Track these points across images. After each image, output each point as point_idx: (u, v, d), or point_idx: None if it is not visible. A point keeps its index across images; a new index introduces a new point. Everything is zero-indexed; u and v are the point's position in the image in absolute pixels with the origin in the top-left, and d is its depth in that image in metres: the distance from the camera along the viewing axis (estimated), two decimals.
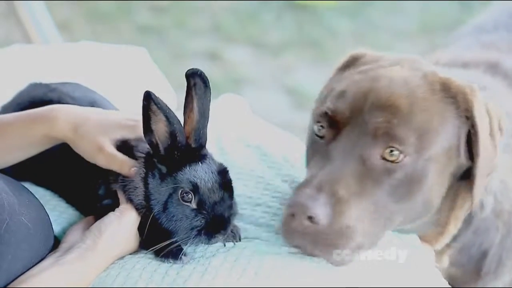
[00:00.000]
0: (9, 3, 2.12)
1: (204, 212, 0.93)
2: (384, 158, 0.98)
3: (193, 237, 0.93)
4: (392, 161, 0.98)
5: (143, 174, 0.97)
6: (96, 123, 1.00)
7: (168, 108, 0.93)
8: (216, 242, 0.95)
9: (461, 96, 1.02)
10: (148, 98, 0.91)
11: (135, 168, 0.97)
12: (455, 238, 1.15)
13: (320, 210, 0.93)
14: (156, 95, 0.92)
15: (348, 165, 0.99)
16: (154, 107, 0.92)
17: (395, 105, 0.99)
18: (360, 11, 3.34)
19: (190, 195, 0.93)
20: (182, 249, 0.94)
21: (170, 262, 0.93)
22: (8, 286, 0.87)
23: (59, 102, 1.11)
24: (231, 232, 0.98)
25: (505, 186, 1.16)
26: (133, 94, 1.36)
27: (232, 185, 0.97)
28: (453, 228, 1.12)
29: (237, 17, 3.29)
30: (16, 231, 0.89)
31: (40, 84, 1.19)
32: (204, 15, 3.32)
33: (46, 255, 0.94)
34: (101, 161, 0.99)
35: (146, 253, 0.96)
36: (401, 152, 0.98)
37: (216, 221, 0.94)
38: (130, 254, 0.97)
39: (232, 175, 0.99)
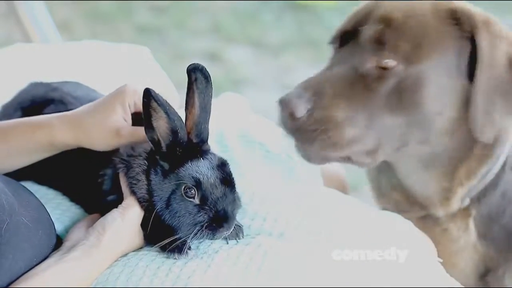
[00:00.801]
0: (9, 3, 2.12)
1: (207, 207, 0.93)
2: (376, 66, 1.04)
3: (197, 233, 0.93)
4: (383, 68, 1.03)
5: (145, 166, 0.96)
6: (93, 112, 1.00)
7: (169, 104, 0.92)
8: (220, 237, 0.95)
9: (466, 18, 1.04)
10: (148, 95, 0.91)
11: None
12: (478, 200, 1.14)
13: (300, 105, 1.02)
14: (156, 92, 0.92)
15: (341, 71, 1.06)
16: (154, 104, 0.92)
17: (391, 17, 1.05)
18: None
19: (193, 191, 0.93)
20: (187, 243, 0.94)
21: (175, 257, 0.93)
22: (12, 285, 0.87)
23: (60, 101, 1.11)
24: (234, 229, 0.97)
25: None
26: None
27: (233, 178, 0.97)
28: (465, 180, 1.11)
29: (237, 17, 3.29)
30: (16, 231, 0.88)
31: (41, 83, 1.19)
32: (204, 15, 3.32)
33: (49, 254, 0.93)
34: (123, 142, 0.99)
35: (150, 249, 0.96)
36: (392, 59, 1.03)
37: (220, 216, 0.93)
38: (134, 251, 0.97)
39: (235, 171, 0.99)
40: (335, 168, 1.39)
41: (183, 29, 3.21)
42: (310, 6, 3.34)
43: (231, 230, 0.95)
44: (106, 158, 1.01)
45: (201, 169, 0.94)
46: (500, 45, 1.03)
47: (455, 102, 1.05)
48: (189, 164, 0.94)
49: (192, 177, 0.93)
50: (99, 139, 0.99)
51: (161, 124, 0.93)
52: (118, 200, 0.98)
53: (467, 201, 1.14)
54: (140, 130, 0.98)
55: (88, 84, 1.25)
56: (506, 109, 1.04)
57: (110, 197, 1.00)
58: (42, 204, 0.99)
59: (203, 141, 0.98)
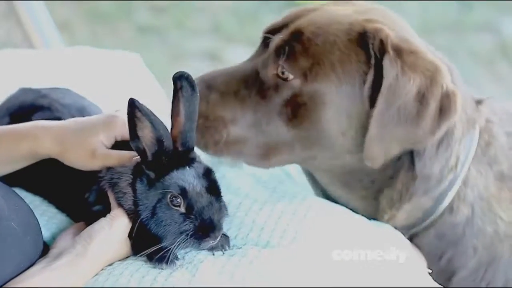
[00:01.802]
0: (9, 3, 2.12)
1: (193, 216, 0.93)
2: (275, 74, 1.04)
3: (182, 242, 0.93)
4: (281, 78, 1.04)
5: (131, 180, 0.96)
6: (77, 131, 1.00)
7: (153, 114, 0.92)
8: (207, 246, 0.94)
9: (376, 43, 1.01)
10: (132, 105, 0.91)
11: (135, 159, 0.97)
12: (412, 238, 1.11)
13: None
14: (140, 102, 0.91)
15: (242, 71, 1.07)
16: (138, 114, 0.91)
17: (300, 31, 1.04)
18: None
19: (179, 199, 0.93)
20: (173, 253, 0.94)
21: (162, 267, 0.93)
22: None
23: (48, 108, 1.11)
24: (220, 240, 0.97)
25: (489, 207, 1.11)
26: (126, 100, 1.36)
27: (219, 187, 0.97)
28: (388, 210, 1.09)
29: (237, 17, 3.29)
30: (4, 236, 0.88)
31: (30, 89, 1.19)
32: (204, 15, 3.32)
33: (36, 260, 0.93)
34: (97, 164, 0.99)
35: (136, 258, 0.96)
36: (290, 72, 1.03)
37: (206, 225, 0.93)
38: (119, 260, 0.96)
39: (222, 181, 0.99)
40: None
41: (183, 29, 3.21)
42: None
43: (218, 239, 0.95)
44: (92, 173, 1.00)
45: (187, 177, 0.94)
46: (411, 76, 1.00)
47: (357, 126, 1.03)
48: (175, 172, 0.94)
49: (178, 185, 0.93)
50: (76, 158, 1.00)
51: (146, 133, 0.93)
52: (104, 210, 0.98)
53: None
54: (114, 154, 0.99)
55: (79, 91, 1.25)
56: (405, 139, 1.02)
57: (96, 207, 1.00)
58: (31, 209, 0.99)
59: (189, 149, 0.97)
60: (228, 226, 1.03)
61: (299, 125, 1.04)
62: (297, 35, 1.04)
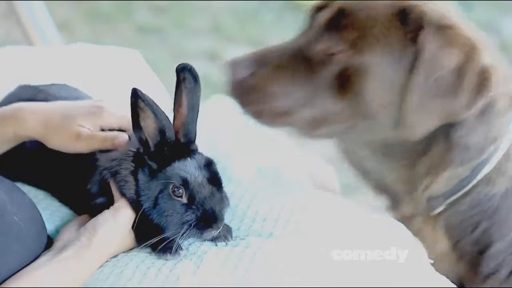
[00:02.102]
0: (9, 3, 2.12)
1: (195, 206, 0.93)
2: (323, 49, 1.08)
3: (185, 232, 0.93)
4: (328, 53, 1.07)
5: (132, 168, 0.96)
6: (64, 114, 1.01)
7: (156, 104, 0.93)
8: (208, 236, 0.95)
9: (414, 18, 1.05)
10: (135, 95, 0.92)
11: (121, 138, 1.00)
12: (448, 208, 1.13)
13: (241, 68, 1.10)
14: (143, 92, 0.92)
15: (292, 48, 1.12)
16: (141, 104, 0.92)
17: (344, 7, 1.09)
18: None
19: (181, 190, 0.93)
20: (177, 243, 0.94)
21: (167, 258, 0.93)
22: (3, 285, 0.87)
23: (45, 101, 1.11)
24: (223, 231, 0.97)
25: None
26: (126, 97, 1.36)
27: (220, 177, 0.97)
28: (425, 178, 1.11)
29: (237, 17, 3.29)
30: (8, 230, 0.88)
31: (29, 86, 1.19)
32: (204, 15, 3.32)
33: (40, 253, 0.93)
34: (82, 147, 1.00)
35: (140, 249, 0.96)
36: (338, 46, 1.06)
37: (208, 215, 0.93)
38: (124, 252, 0.97)
39: (224, 173, 1.00)
40: (326, 176, 1.38)
41: (183, 29, 3.21)
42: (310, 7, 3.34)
43: (220, 230, 0.95)
44: (92, 163, 1.01)
45: (189, 168, 0.94)
46: (449, 50, 1.02)
47: (398, 98, 1.06)
48: (177, 163, 0.94)
49: (180, 176, 0.93)
50: (60, 141, 1.01)
51: (148, 124, 0.93)
52: (107, 202, 0.98)
53: (436, 208, 1.14)
54: (99, 135, 1.00)
55: (79, 87, 1.25)
56: (444, 111, 1.04)
57: (99, 200, 1.00)
58: (34, 203, 0.99)
59: (191, 140, 0.98)
60: (231, 217, 1.03)
61: (345, 97, 1.07)
62: (341, 11, 1.08)
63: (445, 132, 1.08)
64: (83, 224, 0.96)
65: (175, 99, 0.96)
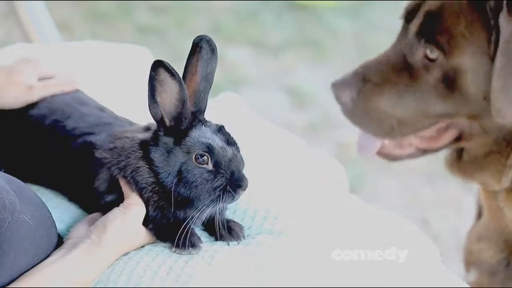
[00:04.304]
0: (9, 3, 2.12)
1: (222, 170, 0.93)
2: (422, 57, 1.13)
3: (218, 198, 0.93)
4: (429, 59, 1.13)
5: (141, 154, 0.96)
6: (4, 74, 1.08)
7: (178, 74, 0.91)
8: (238, 198, 0.95)
9: (490, 3, 1.08)
10: (158, 66, 0.90)
11: (72, 83, 1.07)
12: None
13: (344, 93, 1.15)
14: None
15: (391, 59, 1.17)
16: (161, 77, 0.90)
17: (430, 10, 1.13)
18: (360, 11, 3.34)
19: (205, 157, 0.93)
20: (197, 236, 0.95)
21: (190, 253, 0.94)
22: (13, 283, 0.87)
23: (44, 99, 1.11)
24: (235, 230, 0.98)
25: None
26: (136, 93, 1.36)
27: (234, 138, 0.98)
28: None
29: (237, 17, 3.29)
30: (18, 229, 0.88)
31: None
32: (204, 15, 3.32)
33: (51, 252, 0.93)
34: (38, 95, 1.07)
35: (151, 248, 0.96)
36: (433, 51, 1.12)
37: (235, 176, 0.94)
38: (135, 250, 0.97)
39: None
40: (336, 173, 1.39)
41: (183, 29, 3.21)
42: (310, 6, 3.33)
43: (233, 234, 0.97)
44: (98, 160, 1.00)
45: (208, 134, 0.94)
46: None
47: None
48: (194, 132, 0.94)
49: (203, 143, 0.93)
50: (13, 96, 1.08)
51: (165, 98, 0.92)
52: (117, 200, 0.98)
53: None
54: (51, 82, 1.08)
55: (88, 84, 1.25)
56: None
57: (109, 198, 1.00)
58: (43, 202, 0.99)
59: (201, 110, 0.97)
60: (242, 216, 1.04)
61: (451, 95, 1.13)
62: (428, 15, 1.13)
63: None
64: (93, 222, 0.96)
65: (187, 68, 0.95)
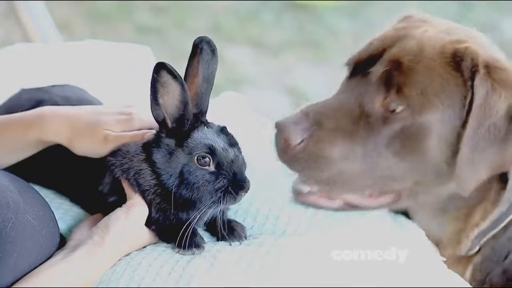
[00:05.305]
0: (9, 3, 2.12)
1: (224, 172, 0.93)
2: (382, 106, 1.03)
3: (219, 199, 0.93)
4: (390, 111, 1.02)
5: (144, 157, 0.96)
6: (90, 120, 1.00)
7: (181, 77, 0.92)
8: (240, 199, 0.95)
9: (468, 62, 1.01)
10: (161, 68, 0.90)
11: (150, 133, 0.97)
12: (485, 244, 1.11)
13: (296, 133, 1.01)
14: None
15: (346, 104, 1.05)
16: (163, 79, 0.90)
17: (399, 61, 1.03)
18: (360, 11, 3.34)
19: (207, 159, 0.93)
20: (200, 236, 0.95)
21: (194, 253, 0.94)
22: (17, 284, 0.87)
23: (49, 101, 1.10)
24: (237, 231, 0.99)
25: None
26: (137, 92, 1.36)
27: (236, 139, 0.97)
28: (480, 222, 1.08)
29: (237, 17, 3.29)
30: (21, 229, 0.88)
31: (31, 89, 1.18)
32: (204, 15, 3.32)
33: (53, 252, 0.94)
34: (110, 148, 0.99)
35: (154, 248, 0.96)
36: (399, 103, 1.01)
37: (237, 178, 0.94)
38: (137, 250, 0.97)
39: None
40: None
41: (183, 29, 3.21)
42: (310, 6, 3.33)
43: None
44: (102, 163, 1.00)
45: (210, 136, 0.94)
46: (502, 93, 0.99)
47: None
48: (196, 133, 0.94)
49: (205, 144, 0.93)
50: (87, 145, 0.99)
51: (167, 99, 0.92)
52: (120, 200, 0.98)
53: (476, 247, 1.11)
54: (127, 135, 0.98)
55: (90, 83, 1.25)
56: (495, 162, 1.01)
57: (111, 198, 1.00)
58: (47, 202, 0.99)
59: (202, 112, 0.97)
60: (244, 216, 1.04)
61: (408, 156, 1.02)
62: (397, 65, 1.03)
63: (499, 174, 1.06)
64: (96, 223, 0.96)
65: (188, 70, 0.96)
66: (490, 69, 1.01)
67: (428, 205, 1.10)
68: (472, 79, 1.00)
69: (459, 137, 1.01)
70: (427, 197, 1.08)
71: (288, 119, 1.03)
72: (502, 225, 1.09)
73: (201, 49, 0.94)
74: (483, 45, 1.07)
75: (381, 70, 1.03)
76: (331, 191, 1.05)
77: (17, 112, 1.06)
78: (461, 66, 1.01)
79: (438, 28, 1.09)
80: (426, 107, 1.01)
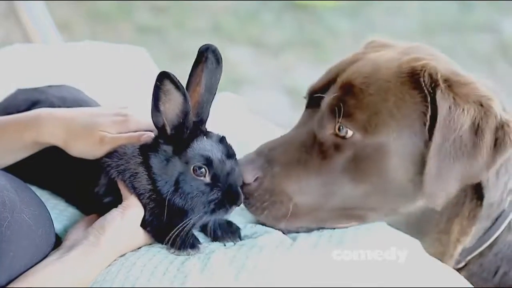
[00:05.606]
0: (9, 3, 2.12)
1: (219, 184, 0.93)
2: (333, 133, 1.01)
3: (211, 212, 0.93)
4: (341, 137, 1.00)
5: (141, 160, 0.96)
6: (86, 121, 1.00)
7: (183, 86, 0.92)
8: (231, 212, 0.95)
9: (427, 78, 0.99)
10: (164, 77, 0.90)
11: (147, 135, 0.97)
12: (472, 261, 1.10)
13: (248, 172, 0.99)
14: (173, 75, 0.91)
15: (299, 136, 1.04)
16: (166, 87, 0.91)
17: (351, 84, 1.01)
18: (360, 11, 3.34)
19: (203, 170, 0.93)
20: (195, 237, 0.95)
21: (189, 254, 0.94)
22: (12, 283, 0.87)
23: (45, 102, 1.10)
24: (232, 232, 0.98)
25: None
26: (134, 93, 1.36)
27: (233, 150, 0.97)
28: (461, 238, 1.08)
29: (237, 17, 3.29)
30: (17, 228, 0.88)
31: (27, 89, 1.18)
32: (204, 15, 3.32)
33: (48, 252, 0.94)
34: (106, 149, 0.99)
35: (148, 248, 0.96)
36: (348, 128, 0.99)
37: (232, 191, 0.94)
38: (132, 250, 0.97)
39: None
40: None
41: (183, 29, 3.21)
42: (310, 6, 3.34)
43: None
44: (98, 163, 1.00)
45: (208, 147, 0.94)
46: (465, 107, 0.98)
47: (423, 169, 0.99)
48: (195, 143, 0.94)
49: (202, 155, 0.93)
50: (83, 147, 0.99)
51: (168, 107, 0.92)
52: (115, 201, 0.98)
53: (461, 264, 1.10)
54: (123, 136, 0.98)
55: (86, 84, 1.25)
56: (463, 174, 0.99)
57: (107, 199, 1.00)
58: (43, 202, 0.99)
59: (203, 121, 0.98)
60: (238, 217, 1.03)
61: (366, 179, 1.00)
62: (348, 89, 1.01)
63: (469, 188, 1.05)
64: (91, 223, 0.96)
65: (191, 78, 0.96)
66: (451, 83, 0.99)
67: (401, 223, 1.07)
68: (433, 94, 0.98)
69: (422, 154, 0.99)
70: (397, 217, 1.06)
71: (242, 159, 1.01)
72: (488, 243, 1.09)
73: (206, 57, 0.94)
74: (444, 62, 1.05)
75: (332, 97, 1.02)
76: (291, 227, 1.02)
77: (13, 112, 1.06)
78: (419, 83, 0.99)
79: (398, 50, 1.08)
80: (380, 129, 0.98)
